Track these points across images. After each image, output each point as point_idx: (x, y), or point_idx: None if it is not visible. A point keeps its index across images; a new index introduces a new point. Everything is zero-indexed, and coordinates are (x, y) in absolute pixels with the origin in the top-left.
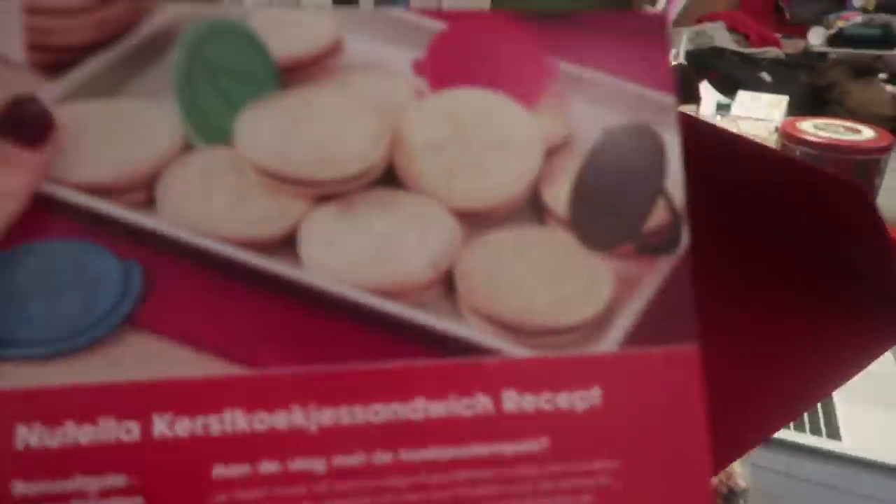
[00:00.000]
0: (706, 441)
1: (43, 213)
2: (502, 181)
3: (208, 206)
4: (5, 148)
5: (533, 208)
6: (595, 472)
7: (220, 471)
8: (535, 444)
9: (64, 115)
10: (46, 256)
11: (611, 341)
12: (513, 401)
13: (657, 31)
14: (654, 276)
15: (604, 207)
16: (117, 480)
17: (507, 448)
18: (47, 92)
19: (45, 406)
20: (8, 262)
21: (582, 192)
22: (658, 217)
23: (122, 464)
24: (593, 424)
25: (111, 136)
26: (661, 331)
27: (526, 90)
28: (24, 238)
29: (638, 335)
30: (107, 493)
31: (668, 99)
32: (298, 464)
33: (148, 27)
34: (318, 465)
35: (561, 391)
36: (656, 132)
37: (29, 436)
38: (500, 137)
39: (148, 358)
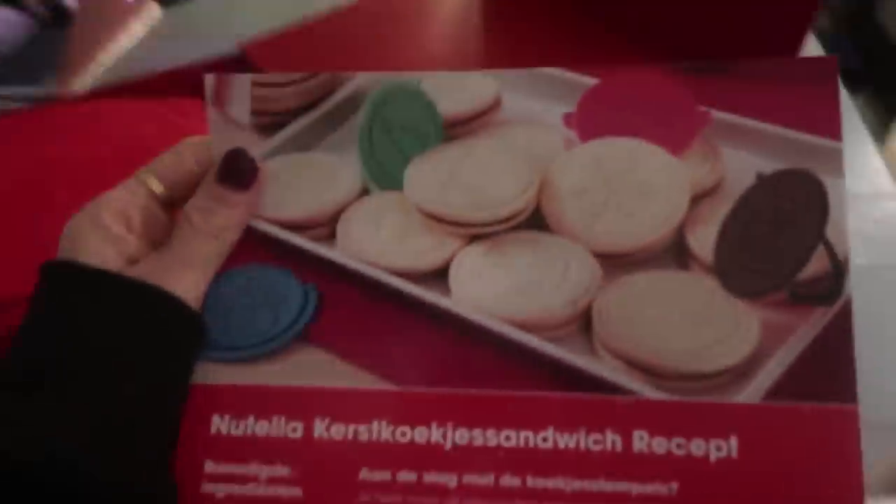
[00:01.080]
0: None
1: (251, 242)
2: (645, 224)
3: (378, 239)
4: (223, 192)
5: (677, 253)
6: None
7: (365, 474)
8: (663, 488)
9: (271, 165)
10: (248, 277)
11: (753, 392)
12: (643, 441)
13: (826, 75)
14: (808, 327)
15: (754, 253)
16: (283, 471)
17: (634, 488)
18: (261, 147)
19: (234, 401)
20: (221, 280)
21: (730, 237)
22: (816, 265)
23: (287, 456)
24: (727, 476)
25: (305, 183)
26: (814, 386)
27: (675, 138)
28: (235, 262)
29: (787, 388)
30: (274, 480)
31: (833, 144)
32: (433, 477)
33: (340, 94)
34: (450, 480)
35: (694, 438)
36: (816, 177)
37: (221, 424)
38: (645, 182)
39: (315, 368)
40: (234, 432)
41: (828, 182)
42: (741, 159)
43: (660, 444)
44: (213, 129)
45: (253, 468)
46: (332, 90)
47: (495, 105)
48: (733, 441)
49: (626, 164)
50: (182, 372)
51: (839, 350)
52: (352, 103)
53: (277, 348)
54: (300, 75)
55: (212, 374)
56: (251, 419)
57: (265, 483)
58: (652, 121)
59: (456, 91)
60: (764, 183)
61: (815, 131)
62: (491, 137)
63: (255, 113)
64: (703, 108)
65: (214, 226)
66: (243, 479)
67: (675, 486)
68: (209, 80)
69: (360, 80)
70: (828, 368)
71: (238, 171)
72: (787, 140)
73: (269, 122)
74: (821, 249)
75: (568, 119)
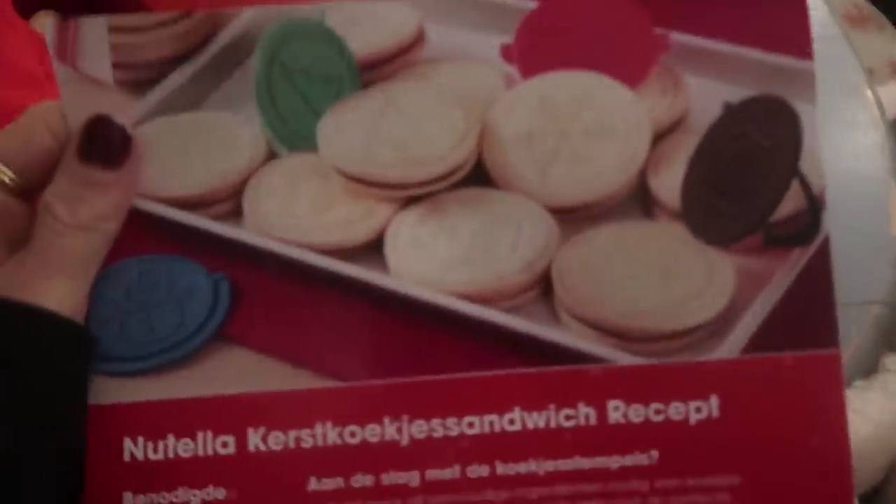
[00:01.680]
0: (848, 459)
1: (134, 229)
2: (604, 171)
3: (293, 214)
4: (90, 172)
5: (640, 200)
6: (711, 489)
7: (314, 485)
8: (643, 458)
9: (149, 131)
10: (140, 272)
11: (731, 346)
12: (619, 412)
13: None
14: (785, 271)
15: (724, 195)
16: (217, 493)
17: (613, 462)
18: (132, 109)
19: (146, 420)
20: (105, 279)
21: (697, 178)
22: (791, 203)
23: (220, 477)
24: (709, 437)
25: (196, 149)
26: (794, 334)
27: (630, 68)
28: (118, 255)
29: (765, 339)
30: None
31: (804, 65)
32: (392, 477)
33: (226, 36)
34: (412, 478)
35: (672, 401)
36: (789, 104)
37: (134, 449)
38: (600, 122)
39: (239, 371)
40: (152, 456)
41: (800, 108)
42: (705, 88)
43: (636, 413)
44: (65, 92)
45: (181, 494)
46: (214, 32)
47: (418, 39)
48: (713, 400)
49: (578, 102)
50: (71, 400)
51: (818, 293)
52: (241, 47)
53: (189, 353)
54: (171, 15)
55: (113, 390)
56: (171, 439)
57: None
58: (603, 49)
59: (369, 24)
60: (732, 113)
61: (785, 51)
62: (416, 80)
63: (118, 66)
64: (660, 31)
65: (85, 216)
66: None
67: (655, 454)
68: (49, 25)
69: (247, 17)
70: (808, 314)
71: (105, 145)
72: (755, 63)
73: (137, 76)
74: (795, 185)
75: (506, 51)
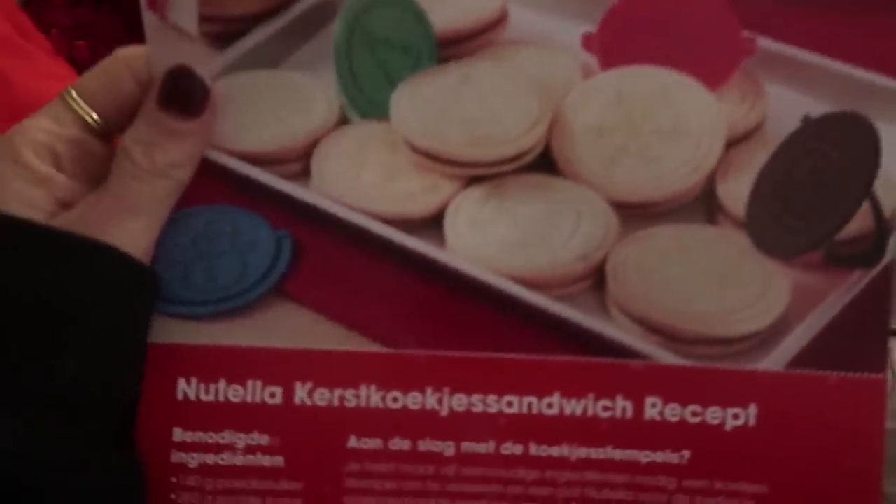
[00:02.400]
0: (878, 485)
1: (205, 179)
2: (671, 172)
3: (359, 181)
4: (168, 120)
5: (705, 204)
6: (738, 494)
7: (353, 442)
8: (674, 456)
9: (228, 85)
10: (207, 221)
11: (777, 359)
12: (656, 408)
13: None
14: (843, 291)
15: (791, 209)
16: (261, 439)
17: (644, 456)
18: (214, 62)
19: (201, 363)
20: (174, 225)
21: (766, 189)
22: (858, 224)
23: (265, 424)
24: (743, 444)
25: (271, 107)
26: (841, 355)
27: (712, 70)
28: (188, 203)
29: (812, 356)
30: (252, 449)
31: (893, 84)
32: (428, 444)
33: None
34: (447, 448)
35: (710, 405)
36: (871, 123)
37: (188, 389)
38: (674, 122)
39: (293, 327)
40: (203, 398)
41: (882, 129)
42: (786, 98)
43: (673, 412)
44: (151, 40)
45: (227, 436)
46: None
47: (501, 20)
48: (752, 409)
49: (654, 100)
50: (133, 338)
51: (873, 317)
52: (324, 10)
53: (247, 304)
54: None
55: (173, 331)
56: (222, 383)
57: (242, 452)
58: (686, 47)
59: (453, 0)
60: (810, 127)
61: (875, 68)
62: (495, 60)
63: (204, 19)
64: (747, 35)
65: (160, 162)
66: (217, 448)
67: (686, 454)
68: None
69: None
70: (859, 337)
71: (185, 94)
72: (842, 77)
73: (222, 30)
74: (866, 206)
75: (588, 41)
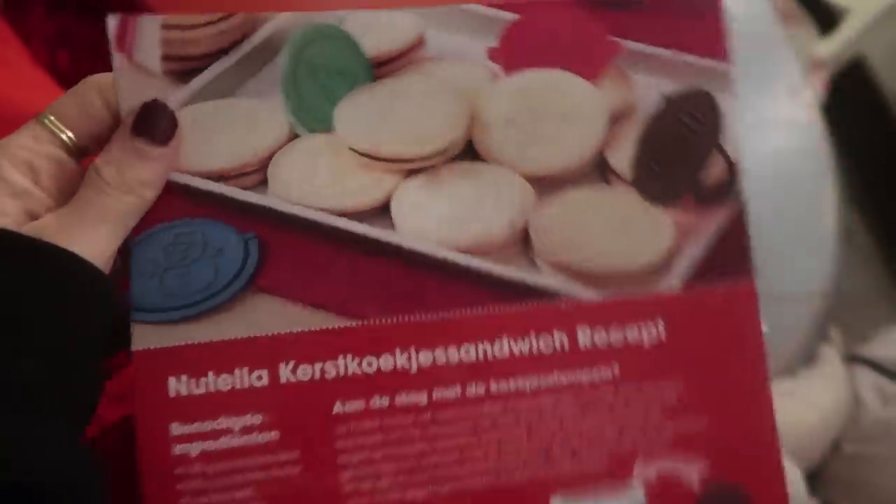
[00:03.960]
0: (765, 364)
1: (174, 197)
2: (569, 148)
3: (313, 184)
4: (139, 145)
5: (599, 170)
6: (662, 392)
7: (339, 407)
8: (608, 372)
9: (190, 114)
10: (177, 234)
11: (672, 282)
12: (586, 336)
13: (712, 5)
14: (712, 223)
15: (664, 165)
16: (255, 419)
17: (584, 376)
18: (176, 95)
19: (188, 360)
20: (147, 241)
21: (644, 153)
22: (716, 171)
23: (256, 405)
24: (659, 353)
25: (230, 130)
26: (721, 272)
27: (590, 67)
28: (160, 219)
29: (698, 276)
30: (248, 429)
31: (724, 65)
32: (404, 398)
33: (259, 36)
34: (421, 398)
35: (628, 326)
36: (712, 96)
37: (179, 386)
38: (567, 110)
39: (269, 316)
40: (195, 391)
41: (721, 98)
42: (648, 83)
43: (600, 336)
44: (120, 77)
45: (223, 422)
46: (249, 32)
47: (419, 42)
48: (660, 325)
49: (549, 94)
50: (89, 339)
51: (736, 239)
52: (271, 46)
53: (224, 302)
54: (214, 16)
55: (155, 337)
56: (210, 376)
57: (239, 433)
58: (569, 52)
59: (379, 30)
60: (669, 103)
61: (709, 55)
62: (419, 74)
63: (166, 58)
64: (613, 39)
65: (130, 179)
66: (215, 434)
67: (617, 367)
68: (112, 21)
69: (277, 21)
70: (730, 256)
71: (156, 124)
72: (686, 64)
73: (181, 67)
74: (719, 157)
75: (492, 53)
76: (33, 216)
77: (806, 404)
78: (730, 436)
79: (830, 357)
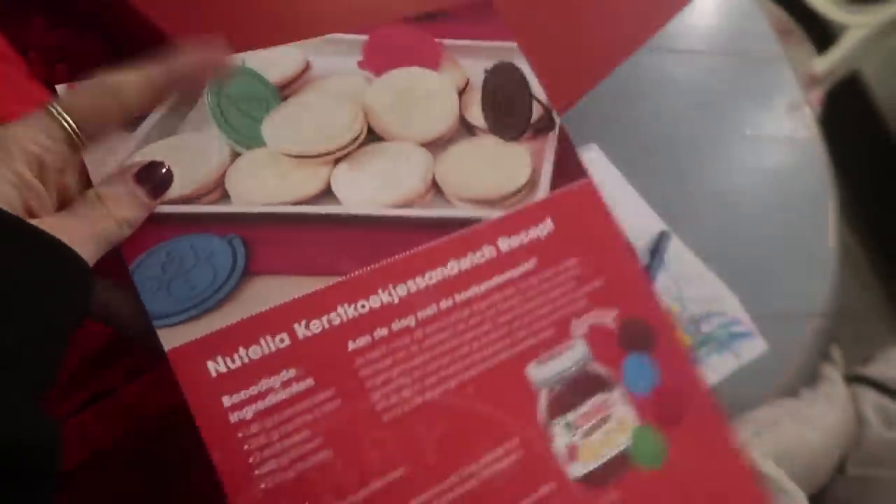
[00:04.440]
0: (619, 228)
1: (154, 226)
2: (439, 117)
3: (265, 187)
4: (139, 192)
5: (465, 128)
6: (567, 269)
7: (351, 345)
8: (530, 264)
9: (148, 154)
10: (167, 252)
11: (543, 190)
12: (505, 243)
13: (485, 7)
14: (550, 145)
15: (505, 115)
16: (289, 373)
17: (515, 272)
18: (130, 140)
19: (218, 344)
20: (143, 263)
21: (489, 110)
22: (538, 112)
23: (287, 362)
24: (555, 242)
25: (182, 162)
26: (566, 175)
27: (430, 60)
28: (147, 246)
29: (556, 181)
30: (287, 383)
31: (511, 44)
32: (397, 324)
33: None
34: (409, 321)
35: (530, 228)
36: (513, 64)
37: (217, 366)
38: (427, 92)
39: (271, 290)
40: (232, 366)
41: (520, 63)
42: (473, 64)
43: (515, 240)
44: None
45: (265, 383)
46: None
47: (307, 67)
48: (548, 221)
49: (412, 83)
50: (66, 318)
51: (571, 153)
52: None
53: (229, 292)
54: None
55: (182, 335)
56: (241, 350)
57: (281, 388)
58: (412, 53)
59: (275, 63)
60: (490, 74)
61: (500, 39)
62: (314, 90)
63: None
64: (437, 40)
65: (123, 216)
66: (262, 395)
67: (534, 260)
68: (61, 90)
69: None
70: (570, 165)
71: (158, 181)
72: (491, 48)
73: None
74: (535, 102)
75: (361, 65)
76: (32, 214)
77: (810, 425)
78: (621, 285)
79: (833, 377)
